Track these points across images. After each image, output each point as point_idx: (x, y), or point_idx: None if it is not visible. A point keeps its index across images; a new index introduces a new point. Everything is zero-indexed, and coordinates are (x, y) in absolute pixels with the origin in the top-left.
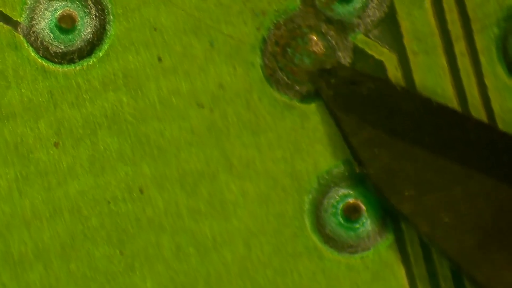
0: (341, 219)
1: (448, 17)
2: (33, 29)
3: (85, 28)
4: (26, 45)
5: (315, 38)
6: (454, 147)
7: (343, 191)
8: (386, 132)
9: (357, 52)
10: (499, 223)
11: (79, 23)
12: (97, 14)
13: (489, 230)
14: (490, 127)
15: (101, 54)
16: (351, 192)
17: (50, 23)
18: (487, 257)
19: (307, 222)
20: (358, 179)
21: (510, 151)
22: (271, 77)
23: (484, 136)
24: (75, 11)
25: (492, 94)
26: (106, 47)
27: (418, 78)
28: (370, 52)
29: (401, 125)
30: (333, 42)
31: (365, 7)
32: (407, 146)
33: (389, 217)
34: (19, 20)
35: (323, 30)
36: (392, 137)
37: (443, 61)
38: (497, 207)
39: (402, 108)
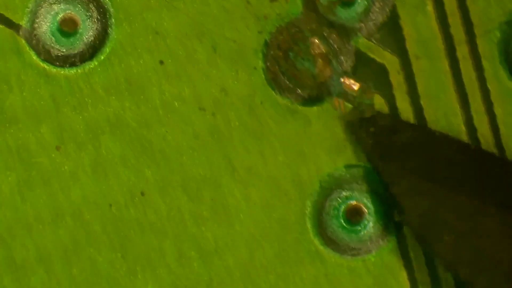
0: (343, 221)
1: (451, 21)
2: (35, 32)
3: (87, 32)
4: (27, 48)
5: (317, 42)
6: (494, 192)
7: (345, 193)
8: (425, 180)
9: (359, 56)
10: None
11: (81, 26)
12: (99, 18)
13: None
14: None
15: (103, 58)
16: (353, 195)
17: (51, 27)
18: None
19: (309, 226)
20: (361, 182)
21: None
22: (273, 81)
23: None
24: (77, 14)
25: (494, 98)
26: (108, 51)
27: (420, 82)
28: (372, 56)
29: (440, 172)
30: (335, 46)
31: (367, 11)
32: (447, 193)
33: (392, 221)
34: (20, 23)
35: (325, 34)
36: (432, 185)
37: (445, 65)
38: None
39: (441, 154)
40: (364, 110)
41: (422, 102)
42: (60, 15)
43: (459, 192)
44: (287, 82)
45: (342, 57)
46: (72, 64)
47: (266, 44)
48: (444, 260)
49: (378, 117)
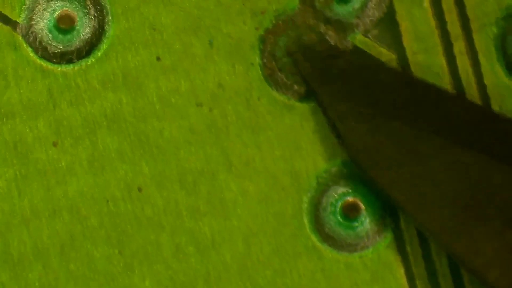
0: (340, 217)
1: (447, 17)
2: (32, 29)
3: (84, 28)
4: (25, 45)
5: (314, 38)
6: (431, 120)
7: (342, 189)
8: (363, 105)
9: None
10: (477, 195)
11: (78, 23)
12: (96, 15)
13: (468, 203)
14: (467, 100)
15: (99, 54)
16: (350, 191)
17: (49, 23)
18: (465, 229)
19: (306, 221)
20: (357, 178)
21: (488, 123)
22: (270, 77)
23: (461, 108)
24: (74, 11)
25: (491, 93)
26: (105, 47)
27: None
28: (369, 52)
29: (378, 98)
30: (332, 42)
31: (364, 7)
32: (384, 119)
33: (388, 216)
34: (18, 20)
35: (322, 30)
36: (369, 110)
37: (442, 61)
38: (475, 179)
39: (380, 81)
40: (304, 38)
41: None
42: (57, 12)
43: (395, 117)
44: (284, 78)
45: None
46: (69, 61)
47: (263, 39)
48: (380, 186)
49: (316, 42)
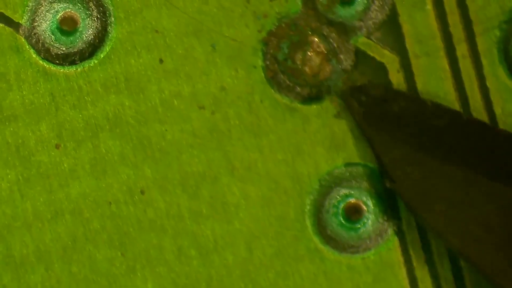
0: (342, 219)
1: (450, 19)
2: (35, 31)
3: (87, 30)
4: (27, 47)
5: (316, 40)
6: (485, 162)
7: (344, 191)
8: (417, 150)
9: (359, 54)
10: None
11: (81, 25)
12: (98, 16)
13: None
14: None
15: (102, 56)
16: (352, 193)
17: (51, 25)
18: None
19: (308, 224)
20: (360, 180)
21: None
22: (272, 80)
23: None
24: (77, 13)
25: (494, 96)
26: (107, 49)
27: (420, 80)
28: (372, 54)
29: (432, 142)
30: (335, 44)
31: (367, 9)
32: (438, 163)
33: (391, 218)
34: (20, 22)
35: (324, 33)
36: (423, 155)
37: (445, 63)
38: None
39: (433, 124)
40: (355, 79)
41: None
42: (60, 14)
43: (450, 161)
44: (287, 81)
45: (341, 56)
46: (72, 63)
47: (266, 42)
48: (434, 230)
49: (370, 86)
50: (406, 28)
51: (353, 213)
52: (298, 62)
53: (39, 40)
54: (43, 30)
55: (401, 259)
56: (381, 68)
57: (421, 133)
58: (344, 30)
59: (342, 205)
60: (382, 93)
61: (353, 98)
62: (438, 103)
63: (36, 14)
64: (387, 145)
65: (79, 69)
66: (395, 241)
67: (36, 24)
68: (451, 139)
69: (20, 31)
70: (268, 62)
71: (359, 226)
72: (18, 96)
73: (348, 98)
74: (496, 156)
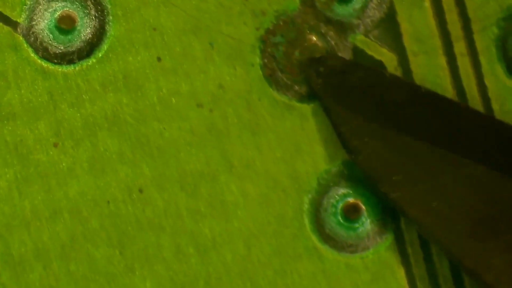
0: (340, 218)
1: (448, 17)
2: (33, 29)
3: (85, 29)
4: (25, 45)
5: (314, 38)
6: (444, 135)
7: (342, 190)
8: (375, 121)
9: (357, 52)
10: (489, 210)
11: (79, 23)
12: (96, 15)
13: (479, 217)
14: (480, 113)
15: (100, 55)
16: (351, 192)
17: (49, 24)
18: (477, 244)
19: (307, 222)
20: (358, 179)
21: (501, 138)
22: (270, 78)
23: (474, 122)
24: (75, 11)
25: (492, 94)
26: (105, 48)
27: (418, 78)
28: (369, 52)
29: (391, 114)
30: (333, 42)
31: (364, 7)
32: (396, 134)
33: (389, 217)
34: (18, 20)
35: (322, 31)
36: (382, 126)
37: (443, 61)
38: (488, 194)
39: (392, 96)
40: (314, 50)
41: None
42: (58, 12)
43: (408, 133)
44: (285, 79)
45: (339, 54)
46: (70, 61)
47: (264, 40)
48: (393, 201)
49: (328, 57)
50: (404, 26)
51: (352, 212)
52: (296, 60)
53: (37, 39)
54: (41, 29)
55: (399, 258)
56: (379, 66)
57: (379, 104)
58: (342, 28)
59: (340, 204)
60: (341, 64)
61: (312, 69)
62: (396, 76)
63: (34, 13)
64: (345, 116)
65: (77, 68)
66: (393, 240)
67: (34, 22)
68: (410, 111)
69: (18, 29)
70: (266, 60)
71: (357, 225)
72: (16, 95)
73: (307, 69)
74: (455, 128)
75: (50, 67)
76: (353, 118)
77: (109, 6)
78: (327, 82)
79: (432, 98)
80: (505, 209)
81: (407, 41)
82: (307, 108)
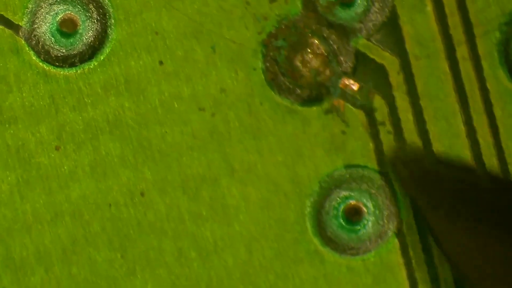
0: (342, 221)
1: (450, 21)
2: (35, 33)
3: (87, 32)
4: (27, 49)
5: (316, 42)
6: None
7: (344, 193)
8: (461, 212)
9: (359, 56)
10: None
11: (81, 27)
12: (98, 18)
13: None
14: None
15: (102, 58)
16: (353, 194)
17: (51, 27)
18: None
19: (309, 226)
20: (360, 182)
21: None
22: (272, 82)
23: None
24: (77, 15)
25: (494, 98)
26: (107, 51)
27: (420, 82)
28: (372, 56)
29: (477, 206)
30: (335, 46)
31: (367, 11)
32: (483, 225)
33: (391, 220)
34: (20, 24)
35: (324, 35)
36: (468, 216)
37: (445, 65)
38: None
39: (478, 194)
40: (405, 148)
41: (421, 103)
42: (60, 16)
43: (494, 225)
44: (287, 83)
45: (341, 58)
46: (72, 65)
47: (265, 44)
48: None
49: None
50: (406, 30)
51: (353, 215)
52: (298, 64)
53: (39, 42)
54: (43, 32)
55: (401, 260)
56: (381, 70)
57: (466, 200)
58: (344, 32)
59: (342, 207)
60: (435, 171)
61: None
62: (490, 172)
63: (36, 16)
64: (431, 205)
65: (79, 71)
66: (395, 243)
67: (36, 26)
68: (496, 202)
69: (20, 33)
70: (268, 64)
71: (359, 228)
72: (18, 98)
73: (400, 168)
74: None
75: (52, 71)
76: (439, 207)
77: (111, 10)
78: (413, 173)
79: None
80: None
81: (409, 45)
82: (308, 112)
